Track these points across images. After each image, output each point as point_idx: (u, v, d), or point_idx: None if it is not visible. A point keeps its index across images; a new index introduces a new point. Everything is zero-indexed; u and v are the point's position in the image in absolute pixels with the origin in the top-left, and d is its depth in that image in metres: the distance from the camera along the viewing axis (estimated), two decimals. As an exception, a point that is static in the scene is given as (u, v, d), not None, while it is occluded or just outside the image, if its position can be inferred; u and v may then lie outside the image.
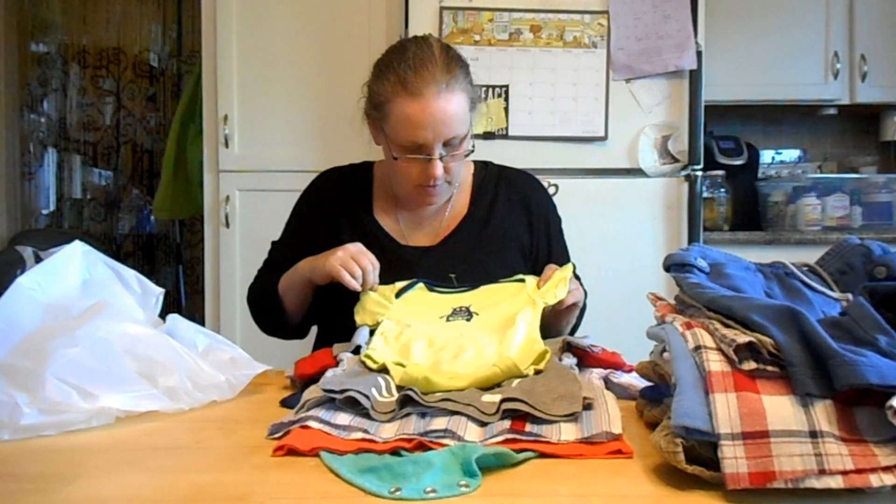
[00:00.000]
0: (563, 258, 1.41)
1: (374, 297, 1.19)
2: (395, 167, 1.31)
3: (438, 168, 1.26)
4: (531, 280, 1.21)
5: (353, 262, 1.21)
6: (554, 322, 1.25)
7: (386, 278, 1.24)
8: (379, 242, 1.34)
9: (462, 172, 1.38)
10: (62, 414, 0.81)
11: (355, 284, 1.20)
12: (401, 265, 1.30)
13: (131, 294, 0.99)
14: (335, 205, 1.40)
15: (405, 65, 1.24)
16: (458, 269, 1.31)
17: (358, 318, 1.17)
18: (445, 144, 1.26)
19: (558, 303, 1.17)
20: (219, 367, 0.96)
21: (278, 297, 1.34)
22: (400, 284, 1.22)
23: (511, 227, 1.39)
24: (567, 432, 0.75)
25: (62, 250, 0.95)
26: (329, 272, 1.21)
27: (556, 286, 1.18)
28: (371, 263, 1.22)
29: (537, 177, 1.49)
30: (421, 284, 1.23)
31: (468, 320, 1.14)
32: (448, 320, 1.15)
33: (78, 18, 4.03)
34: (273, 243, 1.48)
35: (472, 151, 1.33)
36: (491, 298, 1.19)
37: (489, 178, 1.43)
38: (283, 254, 1.42)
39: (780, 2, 2.85)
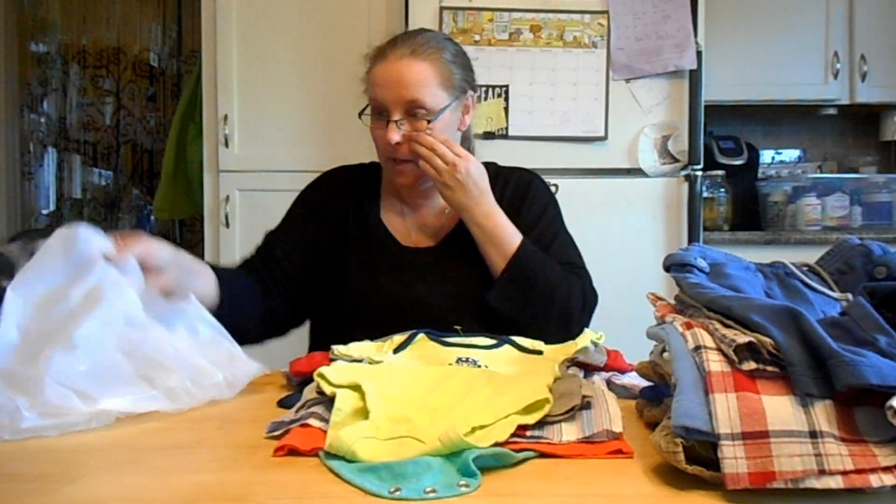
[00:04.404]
0: (558, 247, 1.36)
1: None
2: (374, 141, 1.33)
3: (393, 132, 1.25)
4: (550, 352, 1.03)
5: None
6: None
7: (389, 279, 1.27)
8: (382, 242, 1.35)
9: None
10: (62, 417, 0.80)
11: None
12: (403, 266, 1.32)
13: (126, 273, 0.94)
14: (344, 198, 1.40)
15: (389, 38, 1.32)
16: (457, 270, 1.32)
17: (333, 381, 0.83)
18: (409, 115, 1.26)
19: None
20: (217, 364, 0.95)
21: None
22: (398, 339, 1.06)
23: None
24: (568, 432, 0.75)
25: (47, 243, 0.90)
26: None
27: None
28: None
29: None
30: (422, 335, 1.08)
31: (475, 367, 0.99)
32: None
33: (78, 18, 4.03)
34: (268, 232, 1.42)
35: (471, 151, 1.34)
36: (503, 358, 1.03)
37: (490, 177, 1.43)
38: (278, 238, 1.38)
39: (780, 2, 2.85)
